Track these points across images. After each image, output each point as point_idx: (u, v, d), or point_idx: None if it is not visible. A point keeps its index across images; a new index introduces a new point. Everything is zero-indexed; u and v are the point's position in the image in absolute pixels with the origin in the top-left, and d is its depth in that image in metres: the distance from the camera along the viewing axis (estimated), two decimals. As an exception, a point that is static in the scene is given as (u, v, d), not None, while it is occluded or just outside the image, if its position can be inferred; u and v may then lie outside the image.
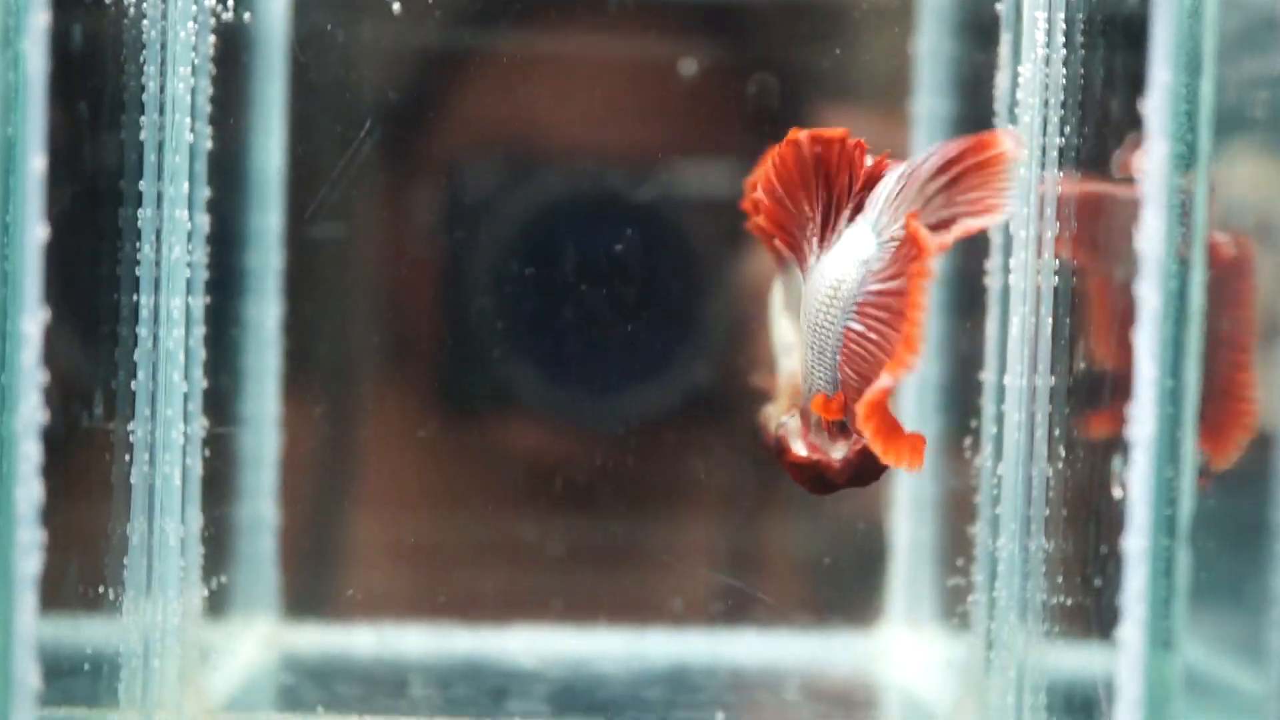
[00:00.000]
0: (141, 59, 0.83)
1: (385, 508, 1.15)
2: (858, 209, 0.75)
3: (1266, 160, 0.74)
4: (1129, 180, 0.70)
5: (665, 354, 1.12)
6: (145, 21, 0.83)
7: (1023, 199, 0.85)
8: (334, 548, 1.15)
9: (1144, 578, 0.63)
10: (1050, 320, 0.83)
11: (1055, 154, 0.82)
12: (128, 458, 0.85)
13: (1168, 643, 0.65)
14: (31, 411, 0.62)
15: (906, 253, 0.71)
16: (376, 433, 1.15)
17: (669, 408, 1.12)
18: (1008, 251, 0.87)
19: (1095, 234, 0.79)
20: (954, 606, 0.98)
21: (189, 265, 0.88)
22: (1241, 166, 0.74)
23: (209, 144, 0.90)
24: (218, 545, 0.98)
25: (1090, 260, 0.80)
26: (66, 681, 0.80)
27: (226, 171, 0.97)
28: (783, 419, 0.79)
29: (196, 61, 0.88)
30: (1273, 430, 0.74)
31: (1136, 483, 0.63)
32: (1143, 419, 0.62)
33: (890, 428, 0.70)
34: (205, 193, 0.90)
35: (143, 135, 0.83)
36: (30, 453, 0.63)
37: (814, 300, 0.75)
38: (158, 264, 0.85)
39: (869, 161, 0.76)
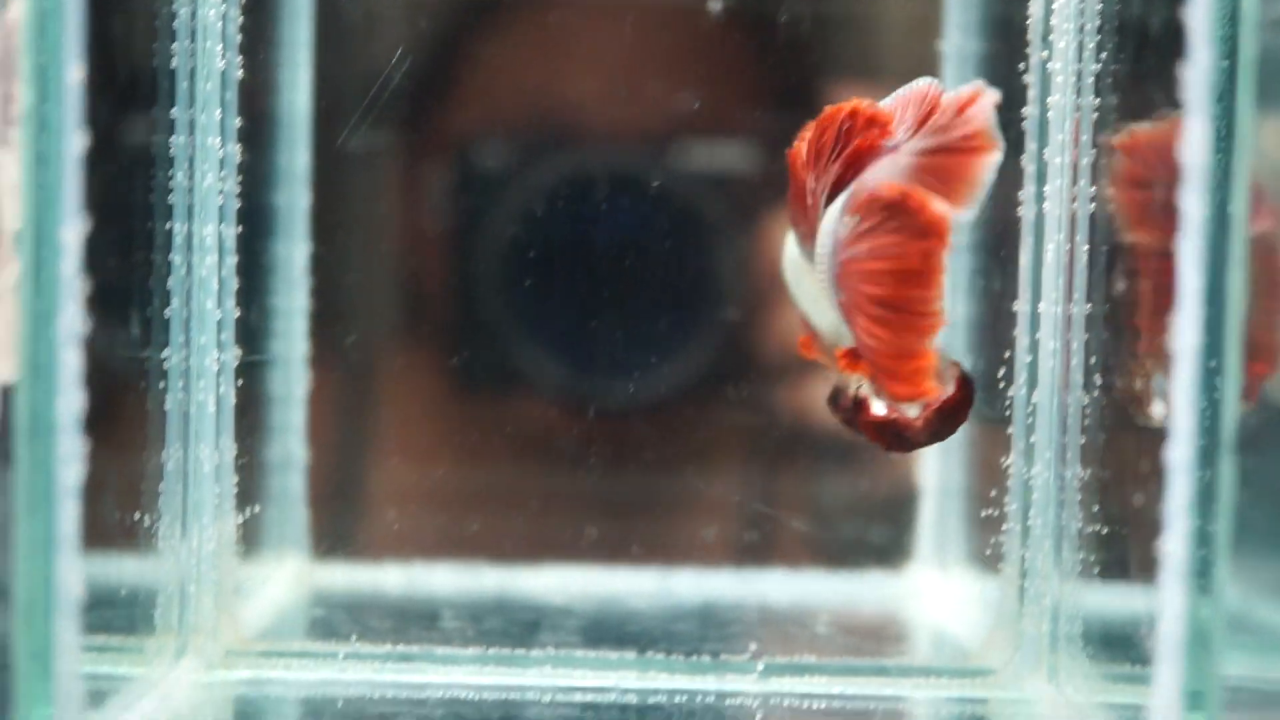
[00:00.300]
0: (173, -16, 0.84)
1: (413, 448, 1.15)
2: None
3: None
4: None
5: (701, 302, 1.12)
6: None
7: (1058, 126, 0.84)
8: (362, 487, 1.16)
9: (1187, 489, 0.63)
10: (1086, 246, 0.83)
11: (1091, 80, 0.82)
12: (162, 385, 0.85)
13: (1211, 558, 0.65)
14: (71, 320, 0.63)
15: (879, 220, 0.71)
16: (404, 373, 1.15)
17: (707, 356, 1.12)
18: (1041, 180, 0.87)
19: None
20: (984, 547, 0.98)
21: (221, 193, 0.88)
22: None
23: (240, 73, 0.90)
24: (249, 480, 0.99)
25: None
26: (104, 609, 0.80)
27: (256, 105, 0.97)
28: (861, 381, 0.79)
29: (227, -13, 0.88)
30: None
31: (1180, 393, 0.62)
32: (1186, 329, 0.62)
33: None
34: (236, 122, 0.90)
35: (174, 62, 0.84)
36: (70, 362, 0.63)
37: (817, 266, 0.76)
38: (190, 191, 0.85)
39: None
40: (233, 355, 0.91)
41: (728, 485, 1.14)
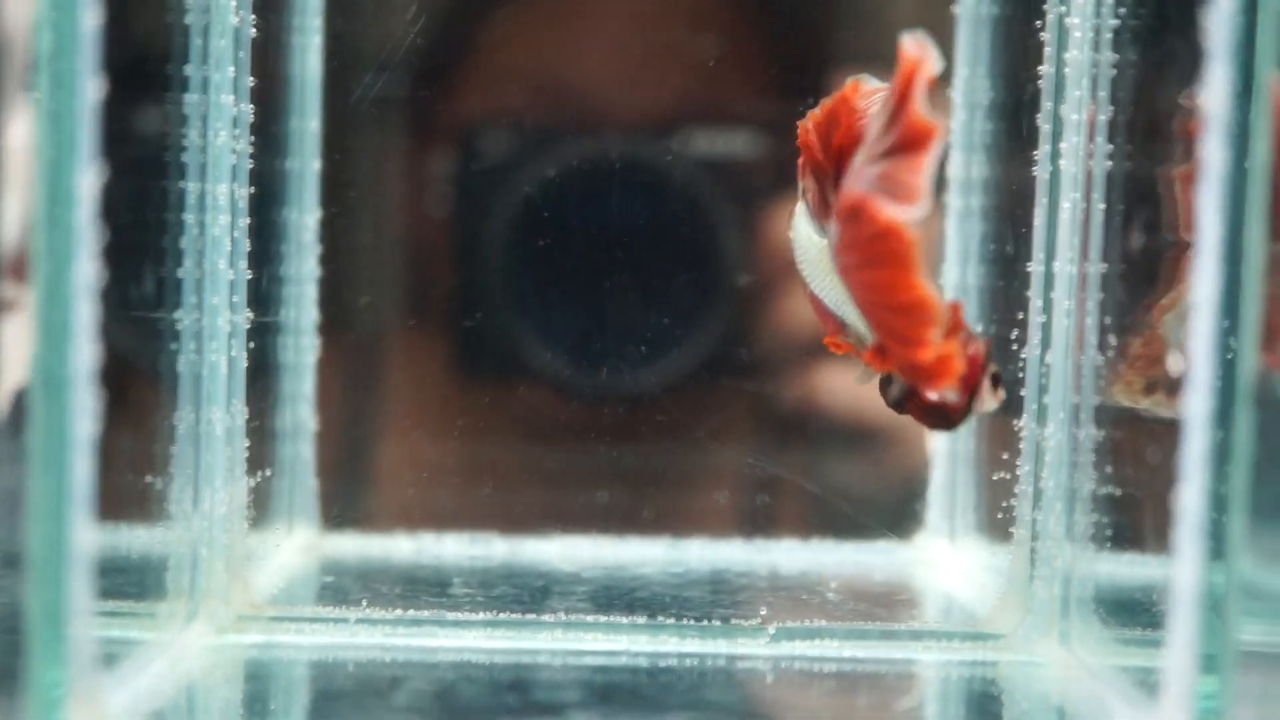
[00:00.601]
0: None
1: (423, 417, 1.15)
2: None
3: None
4: None
5: (713, 272, 1.12)
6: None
7: (1075, 83, 0.84)
8: (372, 456, 1.15)
9: (1204, 440, 0.62)
10: (1103, 205, 0.82)
11: (1110, 35, 0.82)
12: (175, 346, 0.85)
13: (1226, 515, 0.65)
14: (85, 272, 0.62)
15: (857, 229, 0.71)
16: (414, 340, 1.15)
17: (722, 327, 1.12)
18: (1056, 139, 0.86)
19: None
20: (995, 511, 0.97)
21: (234, 153, 0.88)
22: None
23: (253, 32, 0.89)
24: (260, 445, 0.98)
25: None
26: (116, 573, 0.80)
27: (269, 66, 0.96)
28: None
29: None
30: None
31: (1198, 343, 0.62)
32: (1205, 279, 0.62)
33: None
34: (249, 81, 0.90)
35: (189, 19, 0.83)
36: (85, 315, 0.63)
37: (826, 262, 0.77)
38: (204, 150, 0.85)
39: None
40: (244, 317, 0.91)
41: (738, 456, 1.14)
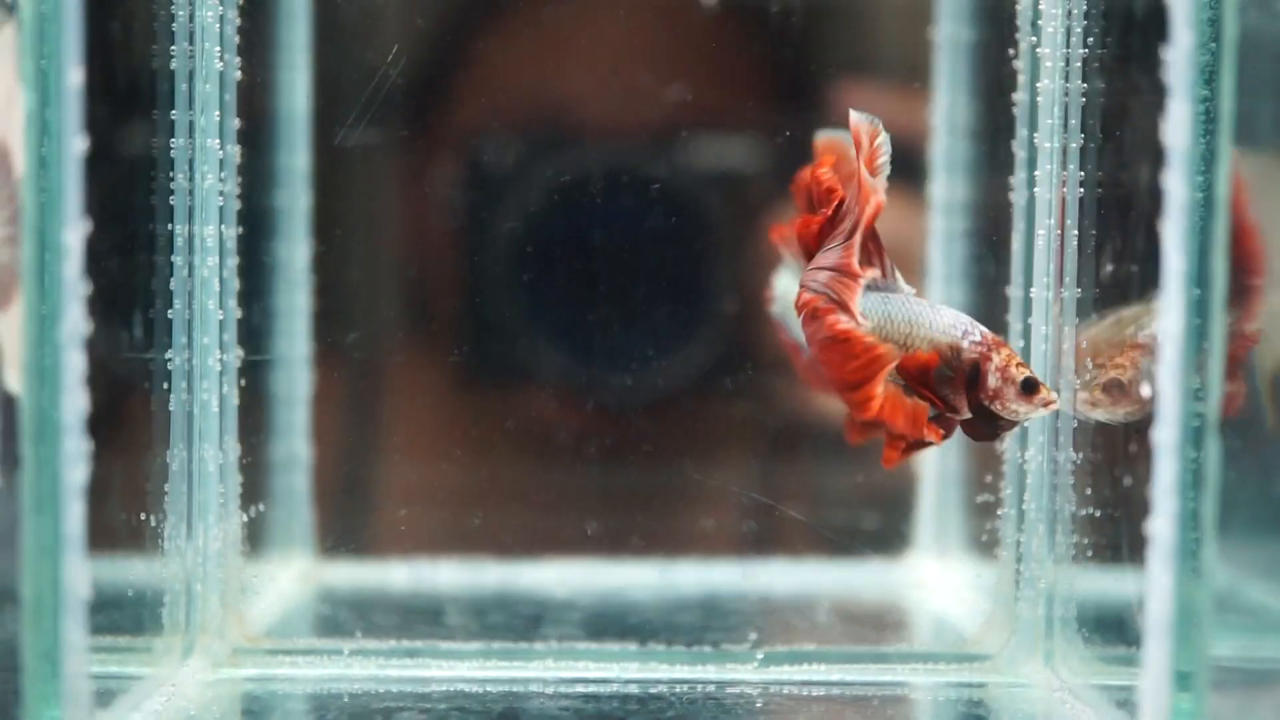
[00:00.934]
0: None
1: (416, 446, 1.16)
2: None
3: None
4: None
5: (702, 295, 1.13)
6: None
7: (1048, 112, 0.86)
8: (367, 485, 1.16)
9: (1174, 470, 0.64)
10: (1076, 232, 0.84)
11: (1079, 65, 0.83)
12: (166, 385, 0.86)
13: (1198, 536, 0.66)
14: (75, 322, 0.64)
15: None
16: (406, 370, 1.16)
17: (716, 344, 1.13)
18: (1031, 166, 0.88)
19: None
20: (981, 533, 0.99)
21: (221, 194, 0.89)
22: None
23: (238, 75, 0.91)
24: (254, 479, 0.99)
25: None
26: (111, 610, 0.81)
27: (255, 106, 0.97)
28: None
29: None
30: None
31: (1166, 375, 0.63)
32: (1171, 311, 0.63)
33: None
34: (235, 123, 0.91)
35: (174, 64, 0.85)
36: (75, 363, 0.64)
37: None
38: (191, 193, 0.86)
39: None
40: (235, 356, 0.92)
41: (727, 477, 1.15)
